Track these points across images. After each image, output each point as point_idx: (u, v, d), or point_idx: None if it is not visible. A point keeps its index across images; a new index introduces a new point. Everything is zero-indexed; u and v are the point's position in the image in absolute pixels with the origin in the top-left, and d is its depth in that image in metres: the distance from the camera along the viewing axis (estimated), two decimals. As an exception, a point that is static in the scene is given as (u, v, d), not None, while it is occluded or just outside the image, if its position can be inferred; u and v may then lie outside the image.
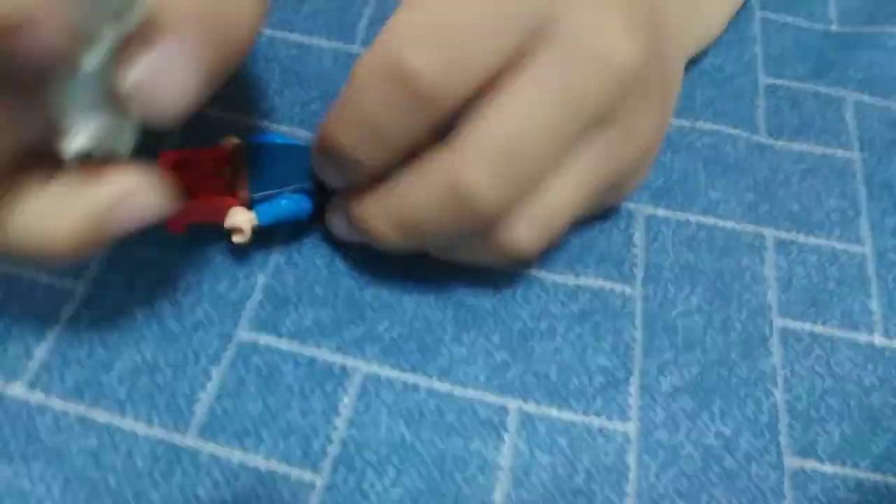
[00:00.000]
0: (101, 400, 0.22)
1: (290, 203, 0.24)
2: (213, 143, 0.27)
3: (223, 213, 0.23)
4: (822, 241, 0.28)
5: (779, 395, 0.24)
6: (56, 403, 0.22)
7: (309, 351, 0.24)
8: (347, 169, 0.21)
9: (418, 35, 0.18)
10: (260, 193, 0.23)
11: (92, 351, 0.23)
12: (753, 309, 0.26)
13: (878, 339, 0.26)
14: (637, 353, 0.25)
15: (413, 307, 0.25)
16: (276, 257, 0.25)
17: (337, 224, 0.24)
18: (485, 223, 0.20)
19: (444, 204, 0.20)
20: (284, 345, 0.24)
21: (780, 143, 0.31)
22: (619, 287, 0.26)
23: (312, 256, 0.26)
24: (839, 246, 0.28)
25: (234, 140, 0.25)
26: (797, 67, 0.34)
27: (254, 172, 0.24)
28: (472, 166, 0.19)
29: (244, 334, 0.24)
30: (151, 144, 0.27)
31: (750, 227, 0.28)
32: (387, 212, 0.21)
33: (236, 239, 0.23)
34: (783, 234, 0.28)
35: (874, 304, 0.27)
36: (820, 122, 0.32)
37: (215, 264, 0.25)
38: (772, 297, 0.26)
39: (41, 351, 0.23)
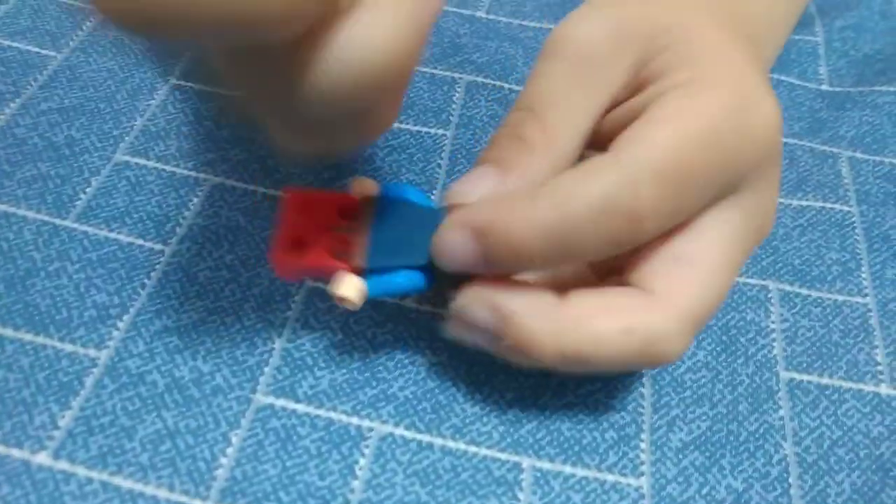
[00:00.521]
0: (124, 467, 0.23)
1: (405, 280, 0.22)
2: (343, 186, 0.24)
3: (330, 277, 0.22)
4: (825, 294, 0.29)
5: (788, 447, 0.25)
6: (81, 471, 0.22)
7: (326, 413, 0.24)
8: (508, 268, 0.21)
9: (655, 178, 0.19)
10: (376, 265, 0.22)
11: (115, 418, 0.23)
12: (760, 362, 0.27)
13: (885, 390, 0.26)
14: (647, 409, 0.25)
15: (426, 366, 0.25)
16: (292, 322, 0.26)
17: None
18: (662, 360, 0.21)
19: (632, 353, 0.21)
20: (301, 408, 0.24)
21: (779, 199, 0.32)
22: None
23: (327, 319, 0.26)
24: (842, 298, 0.29)
25: (368, 185, 0.23)
26: (792, 125, 0.35)
27: (376, 235, 0.22)
28: (666, 325, 0.21)
29: (262, 398, 0.24)
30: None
31: (754, 281, 0.29)
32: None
33: (344, 305, 0.22)
34: (787, 288, 0.29)
35: (879, 355, 0.27)
36: (817, 178, 0.33)
37: (234, 330, 0.26)
38: (777, 350, 0.27)
39: (65, 420, 0.23)
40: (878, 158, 0.33)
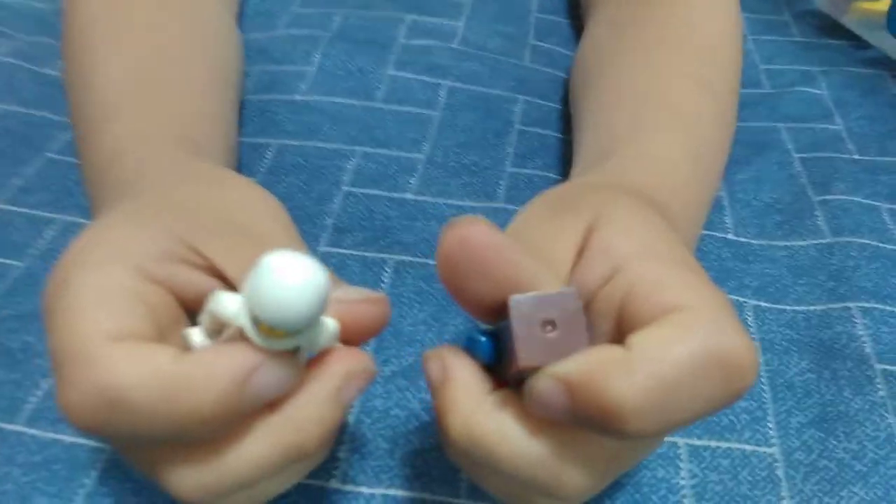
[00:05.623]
0: None
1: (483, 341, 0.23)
2: None
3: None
4: (734, 444, 0.30)
5: None
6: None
7: None
8: (595, 427, 0.20)
9: (733, 334, 0.20)
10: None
11: None
12: (671, 521, 0.28)
13: (791, 541, 0.27)
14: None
15: None
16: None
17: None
18: None
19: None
20: None
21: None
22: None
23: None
24: (749, 448, 0.30)
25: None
26: (704, 276, 0.37)
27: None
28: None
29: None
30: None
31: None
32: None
33: None
34: (696, 442, 0.30)
35: (786, 506, 0.28)
36: (727, 327, 0.35)
37: (167, 524, 0.27)
38: (687, 507, 0.28)
39: None
40: (780, 307, 0.36)
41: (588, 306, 0.23)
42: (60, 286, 0.21)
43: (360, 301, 0.23)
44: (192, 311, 0.23)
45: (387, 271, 0.36)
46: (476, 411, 0.21)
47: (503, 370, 0.22)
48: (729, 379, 0.19)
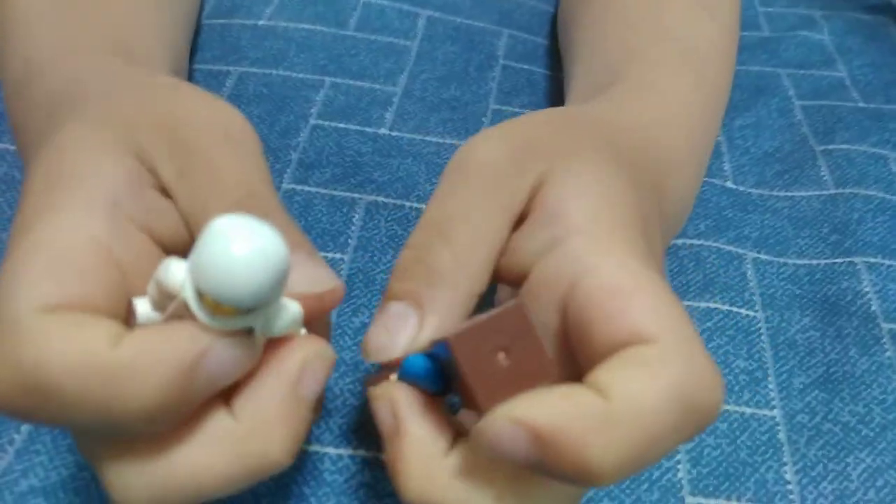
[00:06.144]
0: None
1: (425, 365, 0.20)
2: None
3: None
4: (733, 407, 0.28)
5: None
6: None
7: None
8: (562, 479, 0.18)
9: (704, 374, 0.18)
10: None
11: None
12: (664, 488, 0.25)
13: (795, 511, 0.25)
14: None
15: None
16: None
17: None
18: None
19: None
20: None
21: (686, 301, 0.31)
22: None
23: None
24: (749, 410, 0.28)
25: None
26: (699, 224, 0.35)
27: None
28: None
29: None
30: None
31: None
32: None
33: None
34: (692, 403, 0.28)
35: (788, 473, 0.26)
36: (724, 279, 0.32)
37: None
38: (682, 473, 0.26)
39: None
40: (781, 260, 0.33)
41: (525, 278, 0.21)
42: (21, 232, 0.18)
43: (307, 296, 0.20)
44: (169, 251, 0.20)
45: (357, 212, 0.33)
46: (434, 478, 0.19)
47: (451, 393, 0.20)
48: (701, 421, 0.18)
